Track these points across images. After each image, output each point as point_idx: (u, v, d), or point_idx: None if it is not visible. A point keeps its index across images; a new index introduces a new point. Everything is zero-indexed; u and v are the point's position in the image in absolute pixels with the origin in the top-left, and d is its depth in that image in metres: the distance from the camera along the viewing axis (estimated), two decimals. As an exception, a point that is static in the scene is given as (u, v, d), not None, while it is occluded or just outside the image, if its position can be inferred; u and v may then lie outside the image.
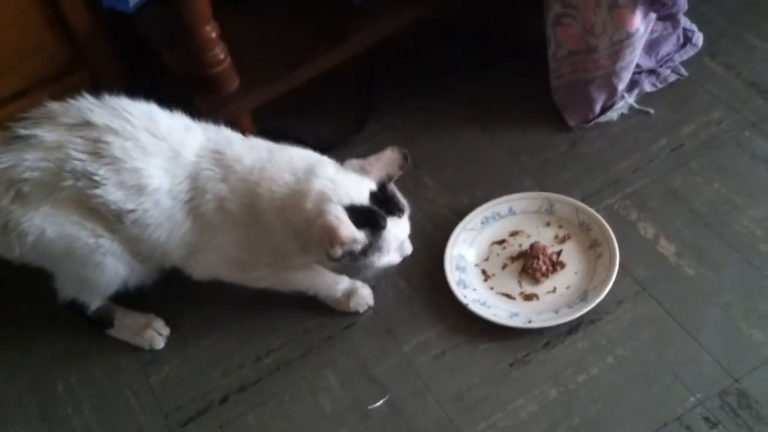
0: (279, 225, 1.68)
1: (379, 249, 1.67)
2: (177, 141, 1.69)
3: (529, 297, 1.83)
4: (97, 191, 1.65)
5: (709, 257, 1.83)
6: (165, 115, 1.72)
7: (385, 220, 1.66)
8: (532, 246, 1.88)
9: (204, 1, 1.83)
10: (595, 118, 2.10)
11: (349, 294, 1.86)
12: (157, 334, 1.88)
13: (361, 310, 1.87)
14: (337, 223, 1.59)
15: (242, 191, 1.68)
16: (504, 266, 1.89)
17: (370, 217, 1.64)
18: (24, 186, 1.66)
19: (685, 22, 2.17)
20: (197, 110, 1.84)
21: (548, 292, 1.83)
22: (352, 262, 1.69)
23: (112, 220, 1.69)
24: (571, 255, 1.87)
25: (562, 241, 1.90)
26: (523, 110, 2.18)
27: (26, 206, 1.67)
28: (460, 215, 1.96)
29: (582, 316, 1.76)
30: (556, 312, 1.78)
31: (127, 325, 1.89)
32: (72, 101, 1.71)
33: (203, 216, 1.70)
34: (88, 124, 1.66)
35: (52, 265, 1.80)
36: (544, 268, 1.84)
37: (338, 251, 1.62)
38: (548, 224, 1.93)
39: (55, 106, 1.71)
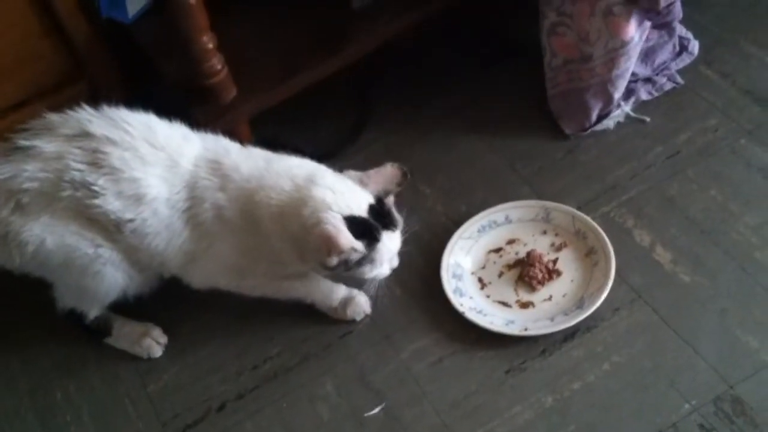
0: (276, 232, 1.69)
1: (372, 261, 1.69)
2: (175, 151, 1.70)
3: (525, 305, 1.84)
4: (96, 201, 1.67)
5: (704, 264, 1.84)
6: (163, 125, 1.73)
7: (380, 233, 1.67)
8: (528, 254, 1.89)
9: (201, 12, 1.85)
10: (591, 126, 2.11)
11: (346, 302, 1.87)
12: (155, 343, 1.89)
13: (358, 318, 1.87)
14: (335, 232, 1.60)
15: (240, 199, 1.69)
16: (500, 274, 1.90)
17: (367, 229, 1.65)
18: (24, 197, 1.68)
19: (680, 30, 2.18)
20: (195, 120, 1.86)
21: (544, 299, 1.84)
22: (344, 272, 1.70)
23: (111, 229, 1.70)
24: (567, 263, 1.88)
25: (559, 249, 1.91)
26: (519, 118, 2.19)
27: (26, 217, 1.69)
28: (457, 223, 1.97)
29: (578, 324, 1.77)
30: (552, 320, 1.79)
31: (126, 334, 1.90)
32: (71, 112, 1.72)
33: (201, 225, 1.71)
34: (86, 134, 1.68)
35: (52, 274, 1.81)
36: (540, 276, 1.85)
37: (334, 260, 1.63)
38: (544, 232, 1.94)
39: (54, 117, 1.72)
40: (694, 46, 2.20)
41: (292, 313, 1.88)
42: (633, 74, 2.10)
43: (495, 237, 1.95)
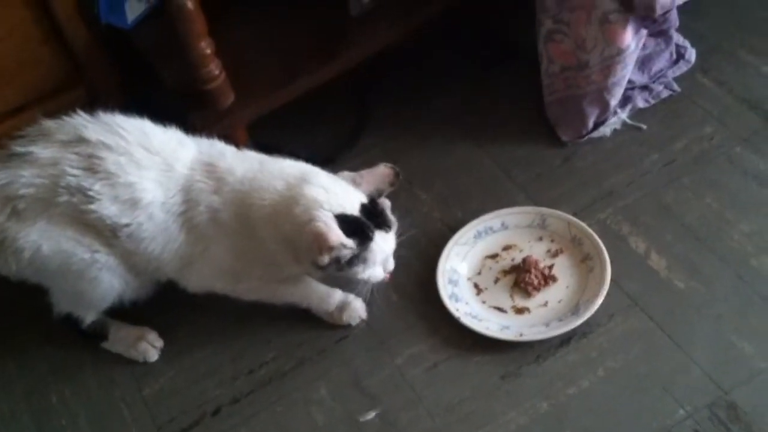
0: (270, 233, 1.70)
1: (364, 260, 1.69)
2: (170, 155, 1.71)
3: (520, 310, 1.84)
4: (92, 206, 1.67)
5: (700, 271, 1.84)
6: (158, 130, 1.74)
7: (373, 232, 1.67)
8: (524, 260, 1.89)
9: (199, 17, 1.86)
10: (588, 133, 2.12)
11: (342, 307, 1.87)
12: (151, 347, 1.89)
13: (354, 323, 1.88)
14: (326, 229, 1.61)
15: (234, 202, 1.70)
16: (496, 280, 1.90)
17: (358, 228, 1.66)
18: (20, 203, 1.68)
19: (677, 38, 2.18)
20: (192, 125, 1.86)
21: (540, 305, 1.84)
22: (337, 272, 1.70)
23: (107, 234, 1.71)
24: (563, 269, 1.88)
25: (555, 255, 1.91)
26: (517, 124, 2.20)
27: (22, 223, 1.69)
28: (453, 229, 1.97)
29: (573, 330, 1.77)
30: (548, 325, 1.79)
31: (122, 338, 1.90)
32: (66, 118, 1.73)
33: (197, 228, 1.71)
34: (82, 140, 1.69)
35: (48, 280, 1.81)
36: (536, 281, 1.85)
37: (325, 259, 1.63)
38: (540, 238, 1.94)
39: (49, 123, 1.73)
40: (691, 54, 2.21)
41: (288, 318, 1.89)
42: (630, 82, 2.10)
43: (491, 243, 1.95)
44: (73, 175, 1.66)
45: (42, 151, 1.68)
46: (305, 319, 1.88)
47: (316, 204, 1.64)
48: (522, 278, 1.87)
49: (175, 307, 1.91)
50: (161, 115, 1.79)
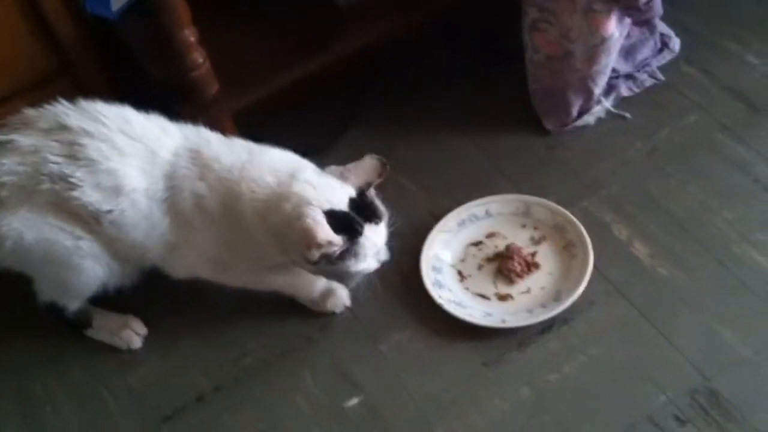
0: (258, 226, 1.70)
1: (355, 254, 1.69)
2: (153, 141, 1.71)
3: (504, 297, 1.84)
4: (75, 193, 1.67)
5: (682, 259, 1.85)
6: (140, 117, 1.74)
7: (362, 226, 1.67)
8: (507, 247, 1.90)
9: (183, 5, 1.86)
10: (572, 122, 2.12)
11: (326, 294, 1.87)
12: (135, 334, 1.90)
13: (338, 311, 1.88)
14: (314, 225, 1.61)
15: (220, 190, 1.70)
16: (480, 267, 1.91)
17: (347, 223, 1.66)
18: (1, 190, 1.68)
19: (662, 27, 2.19)
20: (178, 115, 1.86)
21: (523, 292, 1.84)
22: (328, 266, 1.71)
23: (90, 221, 1.71)
24: (546, 256, 1.89)
25: (538, 242, 1.92)
26: (502, 114, 2.20)
27: (4, 211, 1.69)
28: (439, 218, 1.98)
29: (555, 316, 1.78)
30: (530, 312, 1.80)
31: (106, 326, 1.91)
32: (47, 106, 1.73)
33: (181, 214, 1.71)
34: (63, 127, 1.69)
35: (32, 268, 1.81)
36: (519, 268, 1.86)
37: (315, 254, 1.64)
38: (524, 226, 1.95)
39: (30, 111, 1.73)
40: (676, 43, 2.21)
41: (273, 306, 1.89)
42: (614, 70, 2.11)
43: (475, 231, 1.96)
44: (55, 163, 1.66)
45: (23, 139, 1.68)
46: (290, 307, 1.89)
47: (304, 201, 1.64)
48: (505, 265, 1.87)
49: (160, 297, 1.92)
50: (150, 110, 1.78)
